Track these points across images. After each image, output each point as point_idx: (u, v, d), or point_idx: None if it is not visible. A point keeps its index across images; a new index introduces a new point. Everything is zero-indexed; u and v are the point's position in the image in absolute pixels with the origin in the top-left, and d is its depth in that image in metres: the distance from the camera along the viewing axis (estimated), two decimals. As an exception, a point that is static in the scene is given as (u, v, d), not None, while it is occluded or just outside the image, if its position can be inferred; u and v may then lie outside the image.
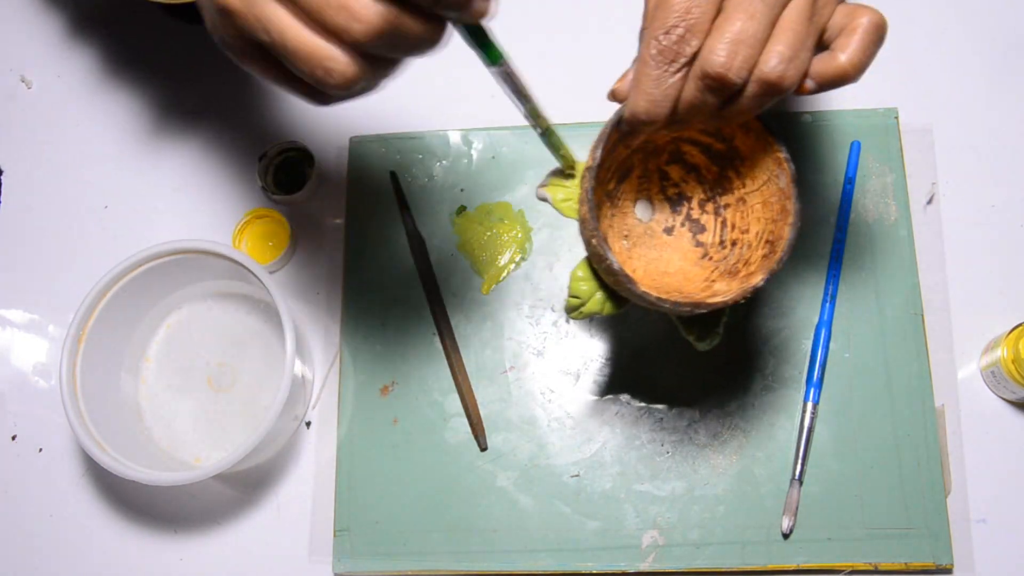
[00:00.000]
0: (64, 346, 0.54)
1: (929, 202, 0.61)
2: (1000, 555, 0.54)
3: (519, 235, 0.61)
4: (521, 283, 0.61)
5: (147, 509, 0.60)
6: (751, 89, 0.39)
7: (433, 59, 0.70)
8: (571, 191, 0.48)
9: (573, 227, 0.61)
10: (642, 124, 0.41)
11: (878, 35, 0.41)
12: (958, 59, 0.64)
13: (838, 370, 0.57)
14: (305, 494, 0.59)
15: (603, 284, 0.47)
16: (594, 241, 0.43)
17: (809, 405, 0.56)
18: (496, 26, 0.63)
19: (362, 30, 0.33)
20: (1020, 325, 0.54)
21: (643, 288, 0.43)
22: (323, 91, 0.36)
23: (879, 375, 0.57)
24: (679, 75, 0.39)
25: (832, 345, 0.57)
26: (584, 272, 0.48)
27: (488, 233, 0.62)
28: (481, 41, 0.38)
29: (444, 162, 0.63)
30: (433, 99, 0.66)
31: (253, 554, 0.58)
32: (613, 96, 0.42)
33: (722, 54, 0.38)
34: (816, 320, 0.58)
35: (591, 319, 0.50)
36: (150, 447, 0.58)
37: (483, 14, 0.36)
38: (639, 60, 0.40)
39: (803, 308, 0.58)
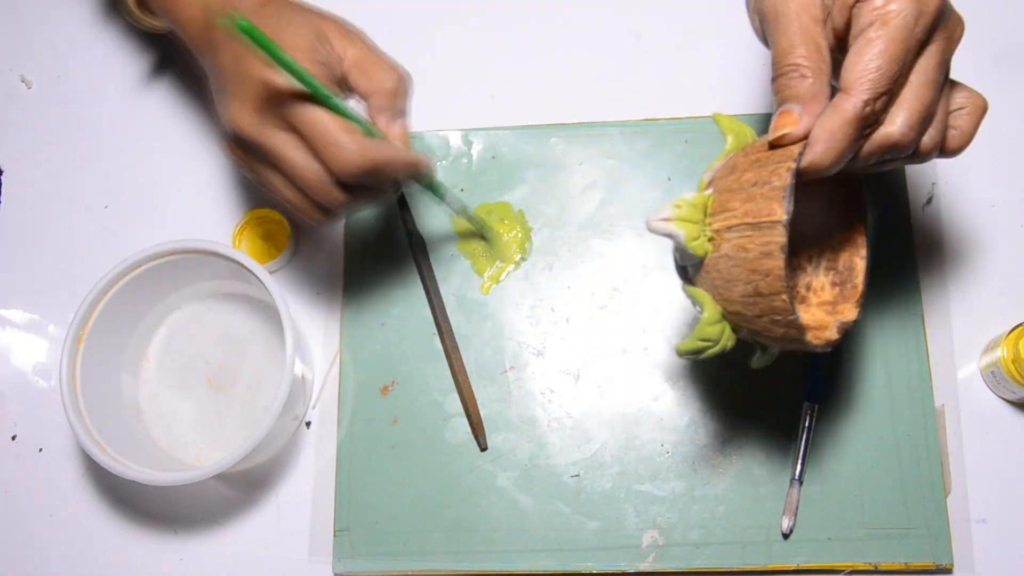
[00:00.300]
0: (64, 346, 0.54)
1: (929, 202, 0.61)
2: (1000, 555, 0.54)
3: (519, 235, 0.61)
4: (521, 283, 0.61)
5: (147, 509, 0.60)
6: (907, 153, 0.43)
7: (433, 59, 0.70)
8: (695, 226, 0.44)
9: (573, 227, 0.61)
10: (816, 174, 0.42)
11: (983, 118, 0.46)
12: (957, 60, 0.63)
13: (838, 370, 0.57)
14: (305, 494, 0.59)
15: (733, 326, 0.45)
16: (784, 297, 0.41)
17: (809, 405, 0.56)
18: (497, 25, 0.64)
19: (335, 204, 0.49)
20: (1020, 325, 0.54)
21: (809, 336, 0.43)
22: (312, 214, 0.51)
23: (879, 375, 0.57)
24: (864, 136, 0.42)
25: (832, 345, 0.57)
26: (713, 315, 0.45)
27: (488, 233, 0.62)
28: (429, 187, 0.55)
29: (444, 162, 0.63)
30: (433, 99, 0.66)
31: (253, 554, 0.58)
32: (780, 140, 0.42)
33: (907, 127, 0.42)
34: (816, 320, 0.58)
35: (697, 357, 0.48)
36: (150, 447, 0.58)
37: (424, 176, 0.53)
38: (840, 114, 0.41)
39: (803, 308, 0.58)
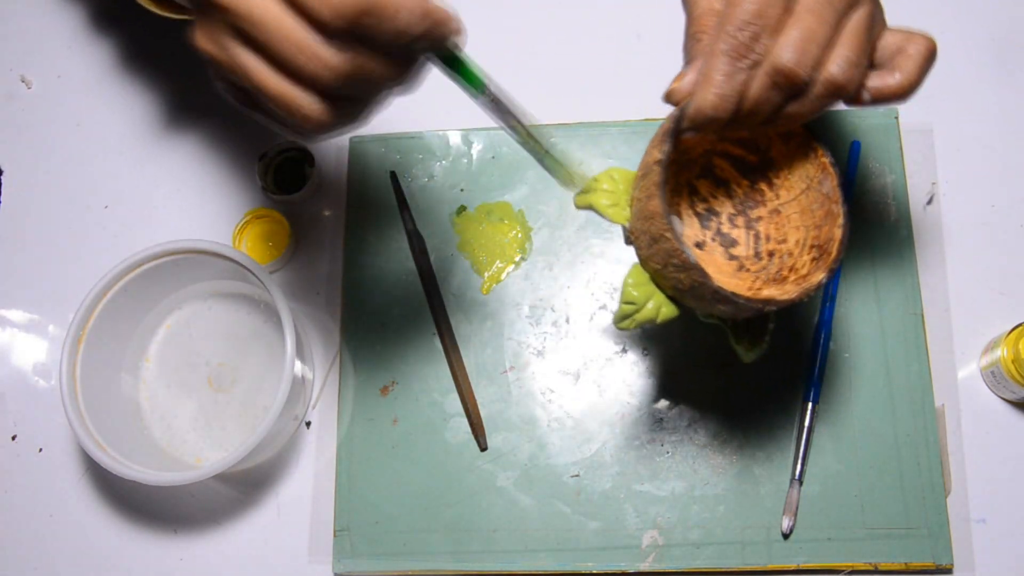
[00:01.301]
0: (64, 346, 0.54)
1: (929, 202, 0.61)
2: (1000, 555, 0.54)
3: (519, 235, 0.61)
4: (521, 283, 0.61)
5: (147, 509, 0.60)
6: (816, 90, 0.41)
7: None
8: (616, 195, 0.46)
9: (573, 227, 0.61)
10: (707, 121, 0.41)
11: (932, 61, 0.43)
12: (958, 59, 0.64)
13: (838, 370, 0.57)
14: (305, 494, 0.59)
15: (659, 288, 0.46)
16: (668, 234, 0.42)
17: (809, 405, 0.56)
18: (497, 25, 0.63)
19: (326, 72, 0.35)
20: (1020, 325, 0.54)
21: (718, 283, 0.42)
22: (302, 128, 0.38)
23: (879, 375, 0.57)
24: (748, 72, 0.40)
25: (832, 345, 0.57)
26: (637, 277, 0.45)
27: (488, 233, 0.62)
28: (458, 70, 0.39)
29: (444, 162, 0.63)
30: (433, 99, 0.65)
31: (253, 554, 0.58)
32: (670, 97, 0.43)
33: (793, 52, 0.39)
34: (816, 320, 0.58)
35: (641, 328, 0.47)
36: (150, 447, 0.58)
37: (450, 46, 0.37)
38: (709, 55, 0.40)
39: (803, 308, 0.58)
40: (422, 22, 0.36)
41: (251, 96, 0.38)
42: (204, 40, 0.37)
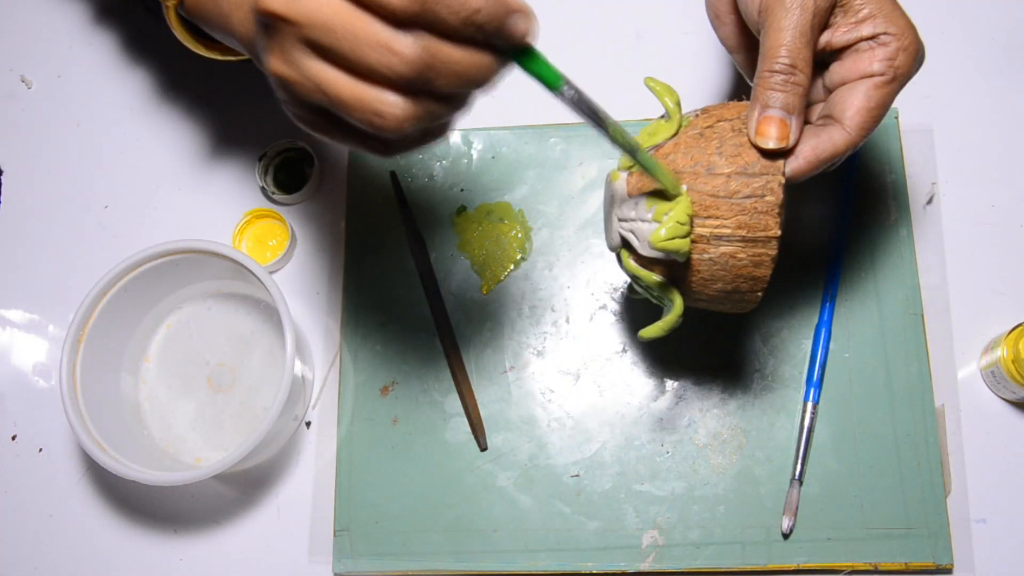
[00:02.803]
0: (64, 346, 0.54)
1: (929, 202, 0.61)
2: (1000, 555, 0.54)
3: (519, 235, 0.61)
4: (521, 283, 0.61)
5: (147, 509, 0.60)
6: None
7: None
8: (676, 227, 0.45)
9: (573, 227, 0.61)
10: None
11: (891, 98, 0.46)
12: (958, 59, 0.64)
13: (838, 370, 0.57)
14: (305, 494, 0.59)
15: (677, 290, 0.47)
16: (760, 294, 0.46)
17: (809, 405, 0.56)
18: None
19: (400, 64, 0.34)
20: (1020, 325, 0.54)
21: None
22: (384, 139, 0.37)
23: (879, 375, 0.57)
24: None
25: (832, 345, 0.57)
26: (680, 309, 0.47)
27: (488, 233, 0.62)
28: (533, 65, 0.38)
29: (444, 162, 0.63)
30: (433, 99, 0.66)
31: (253, 554, 0.58)
32: (774, 152, 0.44)
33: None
34: (816, 320, 0.58)
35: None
36: (150, 447, 0.58)
37: (521, 35, 0.36)
38: (833, 148, 0.45)
39: (803, 308, 0.58)
40: (492, 6, 0.35)
41: (329, 116, 0.37)
42: (278, 63, 0.36)
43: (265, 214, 0.63)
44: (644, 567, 0.55)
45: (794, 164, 0.44)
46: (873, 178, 0.60)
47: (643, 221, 0.45)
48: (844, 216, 0.59)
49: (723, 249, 0.44)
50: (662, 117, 0.48)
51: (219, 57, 0.53)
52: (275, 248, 0.62)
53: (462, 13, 0.34)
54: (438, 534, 0.56)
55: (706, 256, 0.44)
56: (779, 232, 0.44)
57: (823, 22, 0.45)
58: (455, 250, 0.61)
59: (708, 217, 0.44)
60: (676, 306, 0.47)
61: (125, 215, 0.65)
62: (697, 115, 0.47)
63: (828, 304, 0.58)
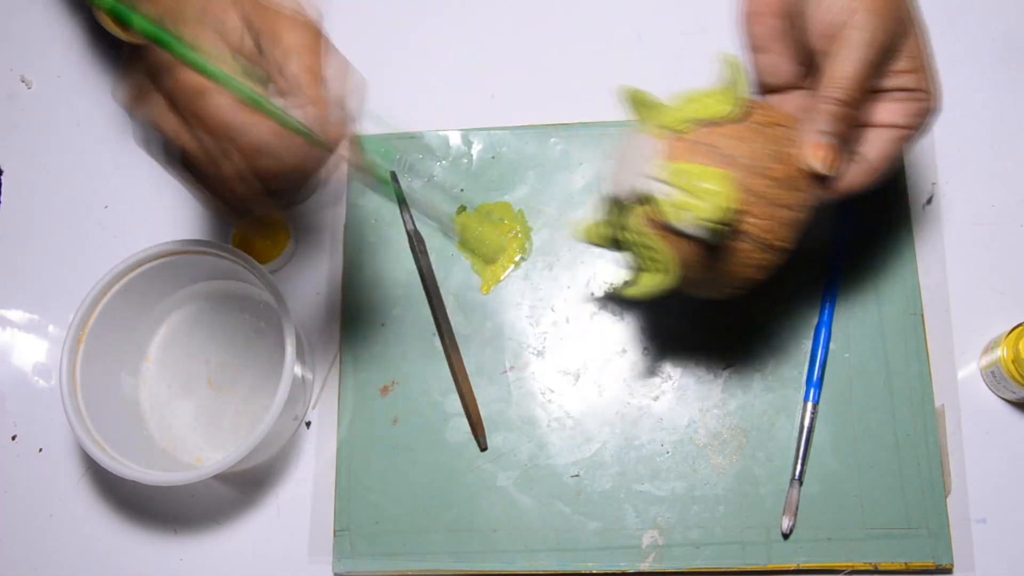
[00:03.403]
0: (64, 346, 0.54)
1: (929, 202, 0.61)
2: (1000, 555, 0.54)
3: (519, 235, 0.61)
4: (521, 283, 0.61)
5: (147, 509, 0.60)
6: None
7: (433, 59, 0.70)
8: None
9: (573, 226, 0.61)
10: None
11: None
12: (958, 60, 0.64)
13: (838, 370, 0.57)
14: (305, 494, 0.59)
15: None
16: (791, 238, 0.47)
17: (809, 405, 0.56)
18: (497, 25, 0.64)
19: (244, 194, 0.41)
20: (1020, 325, 0.54)
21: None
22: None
23: (879, 375, 0.57)
24: None
25: (832, 345, 0.57)
26: (672, 281, 0.47)
27: (488, 233, 0.62)
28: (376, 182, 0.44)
29: (444, 162, 0.63)
30: (433, 99, 0.66)
31: (253, 554, 0.58)
32: (824, 174, 0.47)
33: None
34: (816, 320, 0.58)
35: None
36: (150, 447, 0.58)
37: (337, 139, 0.42)
38: (871, 177, 0.48)
39: (803, 308, 0.58)
40: (332, 166, 0.43)
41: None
42: (138, 109, 0.43)
43: (265, 214, 0.63)
44: (644, 567, 0.55)
45: (829, 191, 0.47)
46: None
47: (679, 190, 0.44)
48: (844, 216, 0.59)
49: (741, 245, 0.46)
50: (705, 90, 0.47)
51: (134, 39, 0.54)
52: (275, 248, 0.62)
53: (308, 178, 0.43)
54: (438, 534, 0.56)
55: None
56: (791, 247, 0.46)
57: (882, 64, 0.47)
58: (455, 250, 0.61)
59: (742, 212, 0.45)
60: (672, 273, 0.47)
61: (125, 215, 0.65)
62: (754, 106, 0.47)
63: (828, 304, 0.58)
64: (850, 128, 0.46)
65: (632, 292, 0.48)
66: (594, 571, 0.55)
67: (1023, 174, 0.61)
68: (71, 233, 0.65)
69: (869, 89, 0.46)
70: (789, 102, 0.51)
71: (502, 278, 0.61)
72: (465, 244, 0.56)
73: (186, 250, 0.56)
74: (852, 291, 0.58)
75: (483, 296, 0.61)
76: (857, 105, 0.46)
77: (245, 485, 0.59)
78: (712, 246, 0.45)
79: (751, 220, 0.45)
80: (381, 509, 0.57)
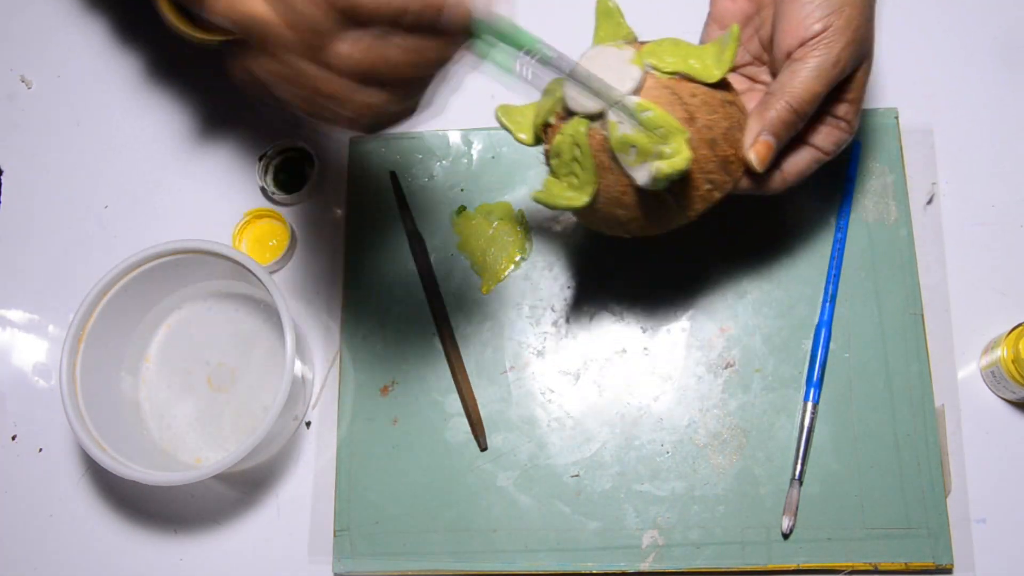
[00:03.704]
0: (64, 346, 0.54)
1: (929, 202, 0.61)
2: (1000, 555, 0.54)
3: (519, 235, 0.61)
4: (521, 283, 0.61)
5: (147, 509, 0.60)
6: None
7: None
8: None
9: (572, 227, 0.61)
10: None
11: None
12: (958, 59, 0.64)
13: (838, 370, 0.57)
14: (305, 494, 0.59)
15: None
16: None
17: (809, 405, 0.56)
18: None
19: (350, 67, 0.36)
20: (1020, 325, 0.54)
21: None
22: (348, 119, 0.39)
23: (879, 375, 0.57)
24: None
25: (832, 345, 0.57)
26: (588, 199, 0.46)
27: (488, 233, 0.62)
28: (495, 38, 0.38)
29: (444, 162, 0.63)
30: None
31: (253, 554, 0.58)
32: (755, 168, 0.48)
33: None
34: (816, 320, 0.58)
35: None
36: (150, 447, 0.58)
37: (462, 21, 0.37)
38: (808, 166, 0.50)
39: (803, 308, 0.58)
40: (417, 6, 0.36)
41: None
42: (244, 69, 0.39)
43: (265, 214, 0.63)
44: (644, 567, 0.55)
45: (742, 183, 0.49)
46: (873, 178, 0.60)
47: (639, 128, 0.44)
48: (844, 216, 0.59)
49: (661, 197, 0.46)
50: (696, 45, 0.48)
51: (213, 38, 0.53)
52: (275, 248, 0.62)
53: (388, 14, 0.35)
54: (438, 534, 0.56)
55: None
56: (687, 221, 0.48)
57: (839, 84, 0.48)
58: (455, 250, 0.61)
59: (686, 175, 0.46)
60: (587, 194, 0.46)
61: (125, 215, 0.65)
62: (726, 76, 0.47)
63: (828, 304, 0.58)
64: (789, 137, 0.48)
65: (540, 197, 0.46)
66: (594, 571, 0.55)
67: (1023, 174, 0.61)
68: (71, 233, 0.65)
69: (817, 106, 0.47)
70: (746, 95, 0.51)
71: (502, 278, 0.61)
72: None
73: (186, 250, 0.56)
74: (852, 291, 0.58)
75: (483, 296, 0.61)
76: (805, 118, 0.47)
77: (245, 485, 0.59)
78: (638, 190, 0.45)
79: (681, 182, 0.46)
80: (381, 509, 0.57)
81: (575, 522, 0.56)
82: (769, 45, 0.50)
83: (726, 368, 0.58)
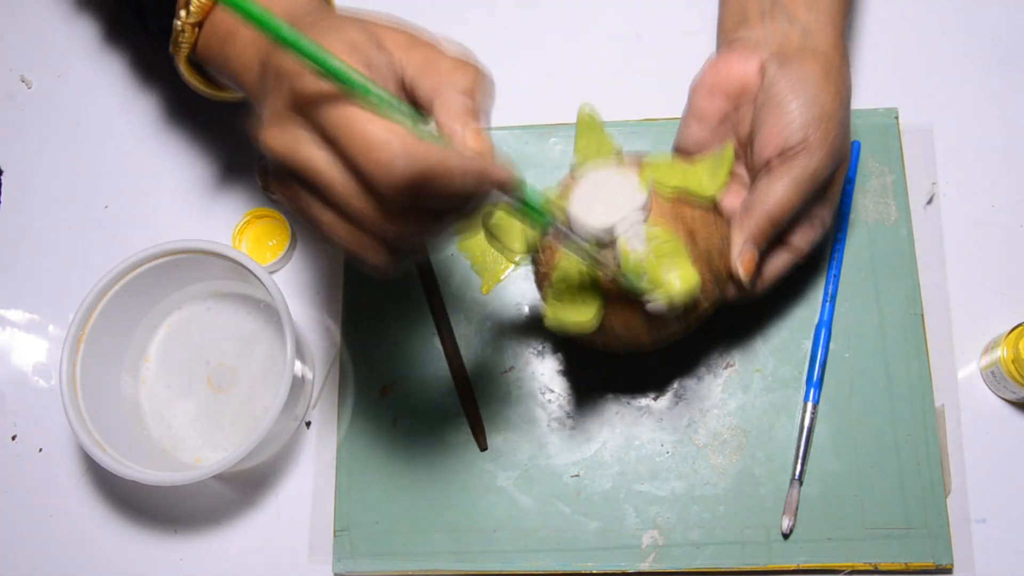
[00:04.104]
0: (64, 346, 0.54)
1: (929, 202, 0.61)
2: (1000, 555, 0.54)
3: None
4: (521, 283, 0.61)
5: (147, 509, 0.60)
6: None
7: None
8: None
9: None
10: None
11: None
12: (958, 59, 0.64)
13: (838, 370, 0.57)
14: (305, 494, 0.59)
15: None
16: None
17: (809, 405, 0.56)
18: (497, 25, 0.63)
19: (389, 235, 0.37)
20: (1020, 325, 0.54)
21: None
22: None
23: (879, 375, 0.57)
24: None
25: (832, 345, 0.57)
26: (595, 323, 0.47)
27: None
28: (521, 206, 0.40)
29: (444, 162, 0.63)
30: (433, 99, 0.65)
31: (253, 554, 0.58)
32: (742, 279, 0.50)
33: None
34: (816, 320, 0.58)
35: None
36: (150, 447, 0.58)
37: (505, 193, 0.38)
38: (783, 266, 0.52)
39: (803, 308, 0.58)
40: (479, 185, 0.36)
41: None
42: (277, 191, 0.39)
43: (265, 214, 0.63)
44: (644, 567, 0.55)
45: (731, 292, 0.51)
46: (873, 178, 0.60)
47: (650, 255, 0.45)
48: (844, 216, 0.59)
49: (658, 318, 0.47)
50: (696, 162, 0.49)
51: (230, 97, 0.55)
52: (275, 248, 0.62)
53: (448, 195, 0.36)
54: (438, 534, 0.56)
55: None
56: (672, 330, 0.49)
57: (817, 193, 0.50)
58: (455, 250, 0.61)
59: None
60: (596, 318, 0.47)
61: (125, 215, 0.65)
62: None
63: (828, 304, 0.58)
64: (767, 245, 0.49)
65: (553, 323, 0.47)
66: (594, 571, 0.55)
67: (1023, 174, 0.61)
68: (71, 233, 0.65)
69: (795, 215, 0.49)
70: (730, 199, 0.51)
71: (502, 278, 0.61)
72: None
73: (186, 250, 0.56)
74: (852, 291, 0.58)
75: (483, 296, 0.61)
76: (783, 227, 0.49)
77: (245, 485, 0.59)
78: (644, 311, 0.46)
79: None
80: (381, 509, 0.57)
81: (575, 522, 0.56)
82: (747, 143, 0.51)
83: (726, 368, 0.58)
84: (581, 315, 0.46)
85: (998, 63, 0.63)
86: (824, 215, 0.51)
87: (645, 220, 0.45)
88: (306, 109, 0.36)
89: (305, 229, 0.39)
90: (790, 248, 0.51)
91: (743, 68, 0.51)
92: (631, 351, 0.51)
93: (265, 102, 0.39)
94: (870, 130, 0.61)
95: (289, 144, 0.37)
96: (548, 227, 0.41)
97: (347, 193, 0.36)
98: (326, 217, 0.38)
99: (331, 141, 0.36)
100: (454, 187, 0.35)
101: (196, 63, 0.52)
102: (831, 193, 0.51)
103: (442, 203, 0.37)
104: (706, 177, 0.48)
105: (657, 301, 0.44)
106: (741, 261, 0.48)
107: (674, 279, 0.44)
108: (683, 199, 0.47)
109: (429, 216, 0.37)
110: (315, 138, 0.37)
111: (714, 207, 0.49)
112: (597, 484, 0.56)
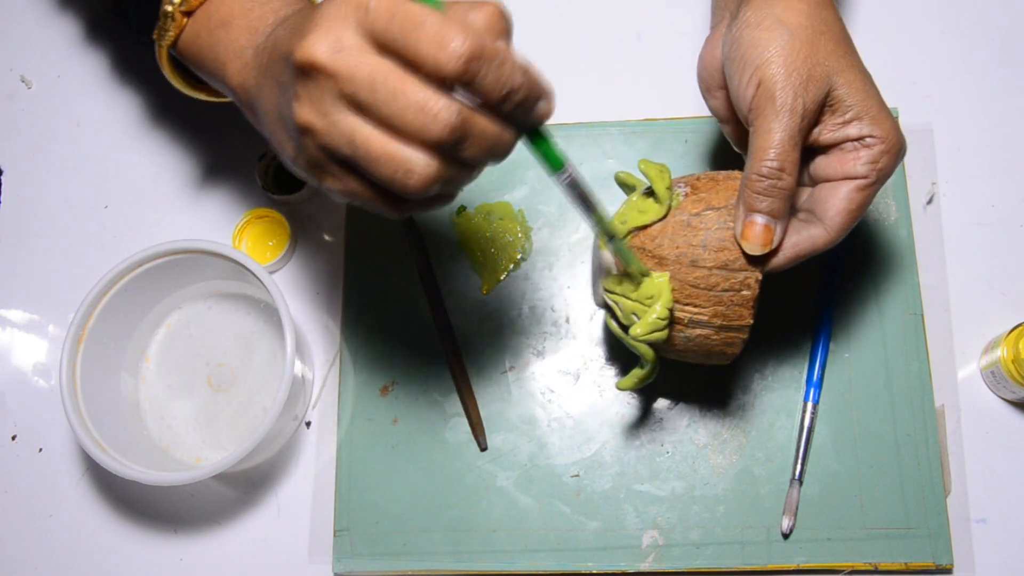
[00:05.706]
0: (64, 346, 0.54)
1: (929, 202, 0.61)
2: (1000, 555, 0.54)
3: (519, 235, 0.61)
4: (521, 283, 0.61)
5: (147, 509, 0.60)
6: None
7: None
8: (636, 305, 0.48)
9: (573, 227, 0.61)
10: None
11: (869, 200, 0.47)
12: (958, 59, 0.64)
13: (838, 370, 0.57)
14: (305, 494, 0.59)
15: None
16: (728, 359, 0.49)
17: (809, 405, 0.56)
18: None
19: (437, 128, 0.35)
20: (1020, 325, 0.54)
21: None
22: (402, 196, 0.38)
23: (879, 375, 0.57)
24: None
25: (832, 345, 0.57)
26: (655, 369, 0.49)
27: (488, 233, 0.62)
28: (542, 146, 0.40)
29: (444, 162, 0.63)
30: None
31: (253, 554, 0.58)
32: (758, 253, 0.47)
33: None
34: (816, 320, 0.58)
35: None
36: (150, 447, 0.58)
37: (544, 117, 0.38)
38: (813, 247, 0.47)
39: (803, 308, 0.58)
40: (523, 78, 0.36)
41: (347, 168, 0.38)
42: (308, 112, 0.37)
43: (265, 214, 0.63)
44: (644, 567, 0.55)
45: (774, 260, 0.47)
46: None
47: (627, 299, 0.47)
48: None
49: (698, 332, 0.47)
50: (649, 193, 0.49)
51: (203, 97, 0.54)
52: (275, 248, 0.62)
53: (504, 88, 0.36)
54: (438, 534, 0.56)
55: (682, 335, 0.48)
56: (752, 321, 0.47)
57: (812, 124, 0.45)
58: (455, 250, 0.61)
59: (688, 304, 0.47)
60: (649, 366, 0.49)
61: (125, 215, 0.65)
62: (687, 195, 0.48)
63: (828, 304, 0.58)
64: (786, 200, 0.45)
65: (623, 385, 0.51)
66: (594, 571, 0.55)
67: (1023, 174, 0.61)
68: (71, 233, 0.65)
69: (797, 155, 0.45)
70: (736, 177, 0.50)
71: (502, 278, 0.61)
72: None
73: (186, 250, 0.56)
74: (852, 291, 0.58)
75: (483, 296, 0.61)
76: (785, 174, 0.45)
77: (245, 485, 0.59)
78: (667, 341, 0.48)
79: (696, 308, 0.47)
80: (381, 509, 0.57)
81: (575, 522, 0.56)
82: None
83: (727, 368, 0.58)
84: (641, 372, 0.50)
85: (998, 63, 0.63)
86: (866, 128, 0.46)
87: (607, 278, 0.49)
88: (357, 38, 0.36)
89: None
90: (844, 180, 0.46)
91: (718, 37, 0.50)
92: (721, 361, 0.50)
93: (271, 90, 0.40)
94: (870, 130, 0.61)
95: (327, 112, 0.37)
96: (556, 174, 0.41)
97: (395, 81, 0.35)
98: (363, 128, 0.36)
99: (386, 45, 0.36)
100: (503, 71, 0.35)
101: (177, 61, 0.51)
102: (854, 105, 0.46)
103: (487, 90, 0.36)
104: (646, 202, 0.48)
105: (636, 337, 0.47)
106: (743, 233, 0.46)
107: (642, 310, 0.47)
108: (639, 231, 0.48)
109: (471, 114, 0.36)
110: (346, 105, 0.36)
111: (684, 205, 0.48)
112: (597, 484, 0.56)
